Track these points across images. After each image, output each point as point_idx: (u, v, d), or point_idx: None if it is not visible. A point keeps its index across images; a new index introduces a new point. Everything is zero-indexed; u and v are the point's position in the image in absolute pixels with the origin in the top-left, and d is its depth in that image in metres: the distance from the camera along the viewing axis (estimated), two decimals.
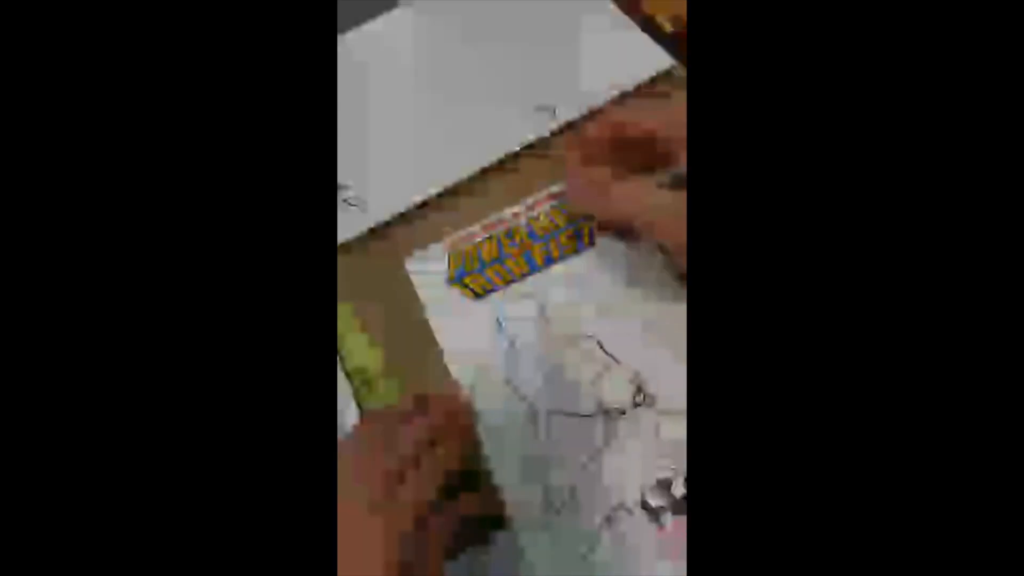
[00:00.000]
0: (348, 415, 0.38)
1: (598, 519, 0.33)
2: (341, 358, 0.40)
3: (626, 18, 0.51)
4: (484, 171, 0.45)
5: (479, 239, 0.42)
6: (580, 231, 0.41)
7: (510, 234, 0.42)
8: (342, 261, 0.43)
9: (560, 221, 0.42)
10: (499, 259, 0.41)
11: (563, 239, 0.41)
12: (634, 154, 0.35)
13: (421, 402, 0.35)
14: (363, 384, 0.39)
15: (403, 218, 0.44)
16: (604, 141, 0.36)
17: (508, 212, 0.43)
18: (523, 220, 0.42)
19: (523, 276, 0.41)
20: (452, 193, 0.45)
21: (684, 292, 0.38)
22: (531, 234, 0.42)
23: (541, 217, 0.42)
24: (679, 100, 0.28)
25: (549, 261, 0.41)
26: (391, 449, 0.31)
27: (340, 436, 0.34)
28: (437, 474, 0.31)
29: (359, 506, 0.28)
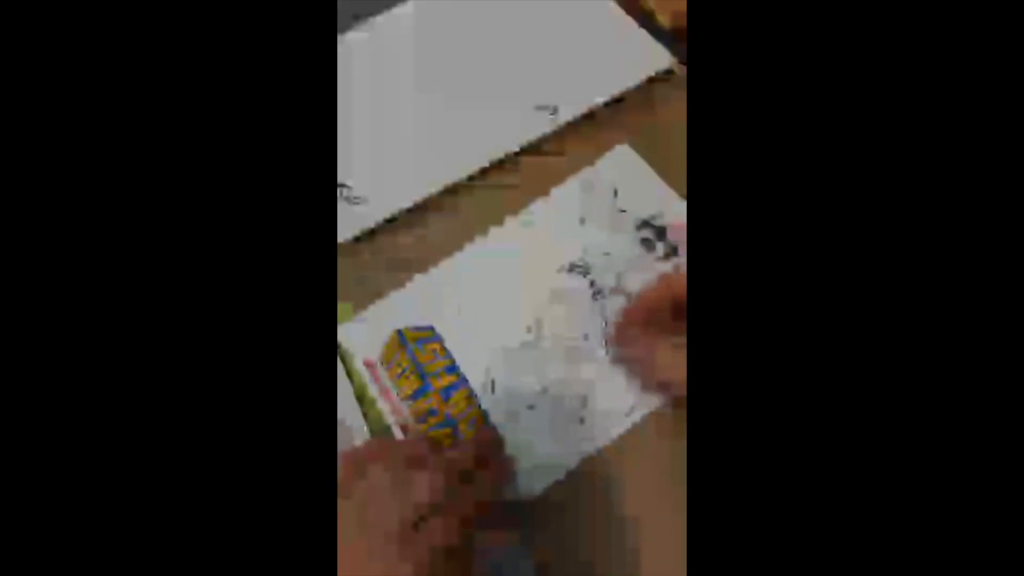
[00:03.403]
0: (349, 415, 0.38)
1: None
2: (341, 358, 0.40)
3: (626, 16, 0.51)
4: (484, 171, 0.45)
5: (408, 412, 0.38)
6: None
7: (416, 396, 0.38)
8: (342, 261, 0.43)
9: (405, 378, 0.39)
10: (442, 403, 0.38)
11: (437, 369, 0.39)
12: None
13: (436, 445, 0.33)
14: (361, 386, 0.39)
15: (403, 218, 0.44)
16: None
17: (387, 413, 0.39)
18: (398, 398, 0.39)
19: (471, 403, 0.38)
20: (452, 193, 0.45)
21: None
22: (423, 384, 0.38)
23: (397, 377, 0.39)
24: None
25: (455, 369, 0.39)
26: (408, 494, 0.28)
27: (343, 442, 0.32)
28: (455, 525, 0.28)
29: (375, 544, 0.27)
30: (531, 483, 0.35)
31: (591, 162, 0.45)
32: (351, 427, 0.38)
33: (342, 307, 0.41)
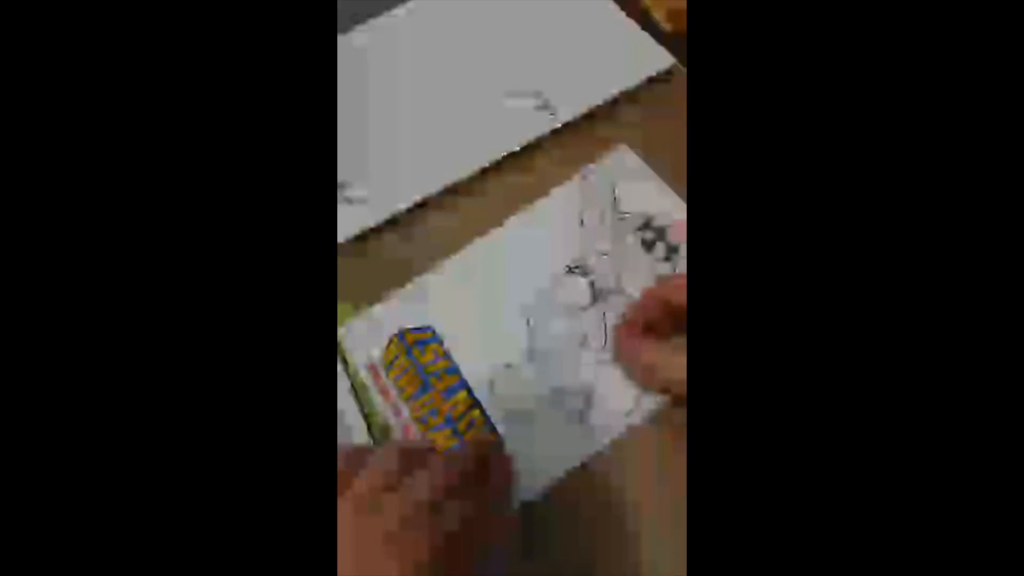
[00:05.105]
0: (349, 415, 0.38)
1: None
2: (341, 358, 0.40)
3: (626, 17, 0.51)
4: (484, 171, 0.45)
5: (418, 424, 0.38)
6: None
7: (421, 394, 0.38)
8: (342, 261, 0.43)
9: (406, 379, 0.39)
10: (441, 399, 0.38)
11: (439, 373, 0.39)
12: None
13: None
14: (361, 386, 0.39)
15: (403, 218, 0.44)
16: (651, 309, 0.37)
17: (388, 413, 0.38)
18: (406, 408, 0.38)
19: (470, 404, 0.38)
20: (452, 193, 0.45)
21: None
22: (424, 385, 0.38)
23: (399, 378, 0.39)
24: None
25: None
26: (408, 494, 0.28)
27: (343, 442, 0.32)
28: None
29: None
30: (531, 483, 0.35)
31: (591, 162, 0.45)
32: (351, 427, 0.38)
33: (342, 307, 0.41)
